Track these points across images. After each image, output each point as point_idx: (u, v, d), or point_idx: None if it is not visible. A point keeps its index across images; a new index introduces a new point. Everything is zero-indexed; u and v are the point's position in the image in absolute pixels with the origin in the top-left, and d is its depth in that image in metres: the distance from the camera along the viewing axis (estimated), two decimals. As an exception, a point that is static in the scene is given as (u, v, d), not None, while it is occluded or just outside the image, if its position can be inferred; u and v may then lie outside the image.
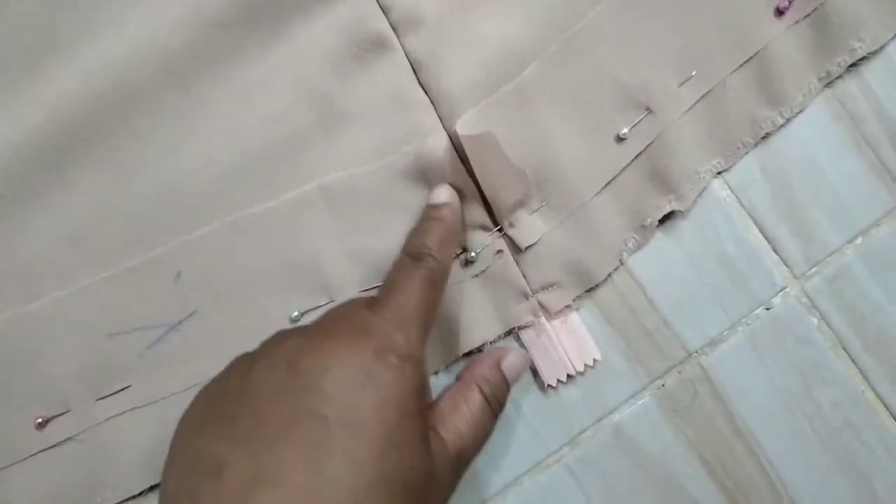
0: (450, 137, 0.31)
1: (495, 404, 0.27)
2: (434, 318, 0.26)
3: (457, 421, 0.26)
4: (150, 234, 0.31)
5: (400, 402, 0.22)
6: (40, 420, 0.31)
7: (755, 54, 0.31)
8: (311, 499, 0.20)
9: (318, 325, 0.25)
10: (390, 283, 0.26)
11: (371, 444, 0.21)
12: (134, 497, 0.31)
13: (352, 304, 0.26)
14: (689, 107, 0.31)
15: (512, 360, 0.29)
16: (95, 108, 0.31)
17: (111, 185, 0.31)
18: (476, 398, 0.27)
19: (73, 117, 0.31)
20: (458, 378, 0.28)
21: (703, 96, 0.32)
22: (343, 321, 0.24)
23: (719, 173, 0.32)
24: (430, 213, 0.29)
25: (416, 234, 0.28)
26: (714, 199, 0.32)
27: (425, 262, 0.27)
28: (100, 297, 0.31)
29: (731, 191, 0.32)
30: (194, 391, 0.30)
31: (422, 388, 0.24)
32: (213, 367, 0.31)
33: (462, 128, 0.29)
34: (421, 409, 0.23)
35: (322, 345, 0.23)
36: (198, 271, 0.31)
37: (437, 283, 0.27)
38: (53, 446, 0.31)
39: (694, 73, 0.31)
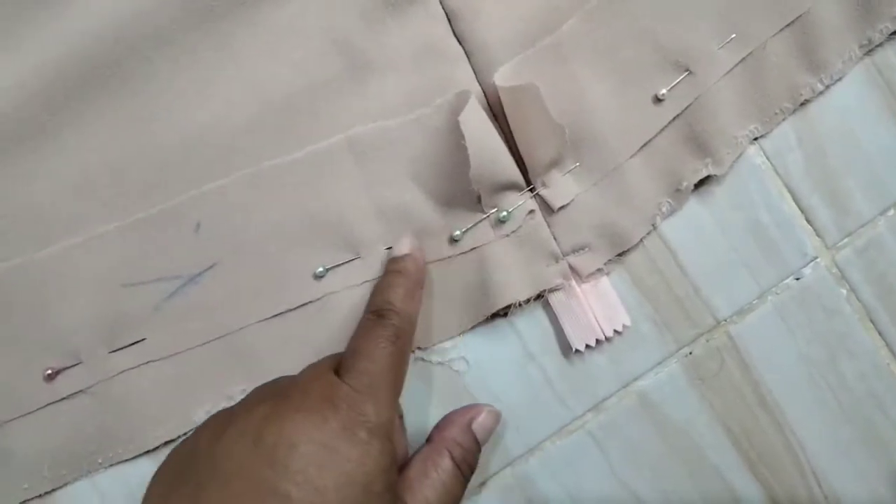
0: (483, 91, 0.30)
1: (465, 469, 0.27)
2: (403, 375, 0.26)
3: (425, 490, 0.25)
4: (168, 183, 0.30)
5: (366, 482, 0.22)
6: (50, 372, 0.30)
7: (797, 18, 0.31)
8: None
9: (288, 391, 0.24)
10: (356, 345, 0.26)
11: None
12: (147, 452, 0.30)
13: (321, 370, 0.25)
14: (728, 70, 0.31)
15: (483, 420, 0.29)
16: (113, 49, 0.30)
17: (128, 130, 0.30)
18: (446, 464, 0.26)
19: (89, 57, 0.30)
20: (429, 440, 0.28)
21: (742, 59, 0.31)
22: (312, 392, 0.24)
23: (756, 139, 0.31)
24: (391, 267, 0.29)
25: (378, 291, 0.28)
26: (749, 166, 0.31)
27: (389, 320, 0.26)
28: (114, 246, 0.30)
29: (767, 158, 0.31)
30: (212, 346, 0.30)
31: (390, 463, 0.24)
32: (233, 321, 0.30)
33: (500, 79, 0.29)
34: (388, 485, 0.23)
35: (290, 417, 0.23)
36: (218, 223, 0.30)
37: (403, 341, 0.26)
38: (63, 399, 0.30)
39: (734, 35, 0.31)
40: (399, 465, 0.26)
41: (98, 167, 0.30)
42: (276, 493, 0.21)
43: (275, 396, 0.24)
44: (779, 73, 0.31)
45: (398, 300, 0.27)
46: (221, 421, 0.24)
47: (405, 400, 0.30)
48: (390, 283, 0.28)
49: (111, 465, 0.30)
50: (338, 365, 0.25)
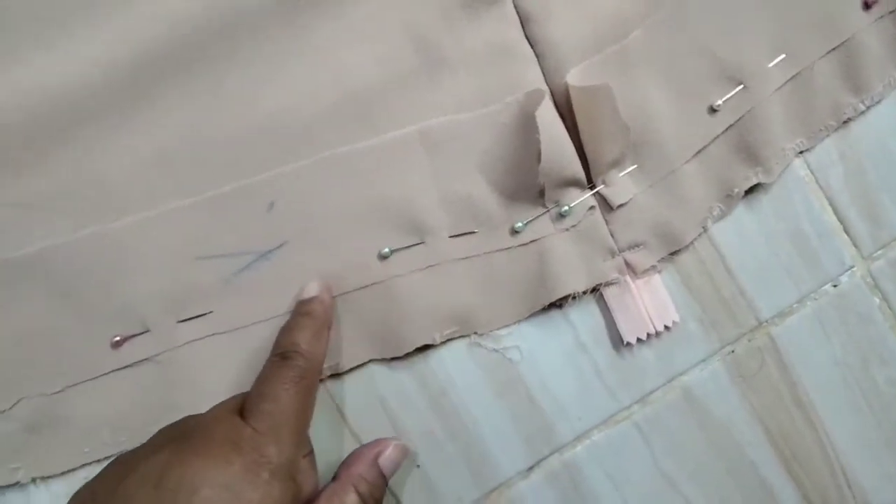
0: (551, 92, 0.32)
1: (371, 503, 0.28)
2: (308, 415, 0.27)
3: None
4: (244, 163, 0.31)
5: None
6: (118, 339, 0.30)
7: (842, 43, 0.33)
8: None
9: (191, 433, 0.25)
10: (261, 388, 0.26)
11: None
12: (207, 424, 0.31)
13: (225, 412, 0.26)
14: (778, 86, 0.33)
15: (390, 454, 0.29)
16: (200, 33, 0.31)
17: (208, 111, 0.31)
18: (351, 499, 0.27)
19: (176, 39, 0.31)
20: (336, 476, 0.29)
21: (791, 78, 0.33)
22: (214, 435, 0.24)
23: (801, 153, 0.33)
24: (298, 309, 0.30)
25: (285, 332, 0.29)
26: (794, 178, 0.33)
27: (294, 362, 0.27)
28: (189, 220, 0.31)
29: (810, 171, 0.33)
30: (277, 321, 0.31)
31: (291, 502, 0.24)
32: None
33: (573, 79, 0.30)
34: None
35: (192, 461, 0.23)
36: (292, 203, 0.31)
37: (308, 382, 0.27)
38: (127, 366, 0.31)
39: (784, 55, 0.33)
40: (308, 501, 0.26)
41: (177, 145, 0.31)
42: None
43: (177, 439, 0.25)
44: (824, 93, 0.33)
45: (304, 342, 0.28)
46: (123, 465, 0.24)
47: (465, 388, 0.32)
48: (297, 324, 0.29)
49: (170, 435, 0.31)
50: (242, 406, 0.26)
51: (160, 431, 0.26)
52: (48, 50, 0.30)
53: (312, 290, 0.30)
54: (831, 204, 0.33)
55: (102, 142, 0.31)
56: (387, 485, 0.29)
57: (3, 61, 0.29)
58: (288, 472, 0.24)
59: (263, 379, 0.27)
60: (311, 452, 0.28)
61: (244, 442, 0.24)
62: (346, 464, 0.29)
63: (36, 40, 0.30)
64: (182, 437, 0.25)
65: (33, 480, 0.30)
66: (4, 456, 0.30)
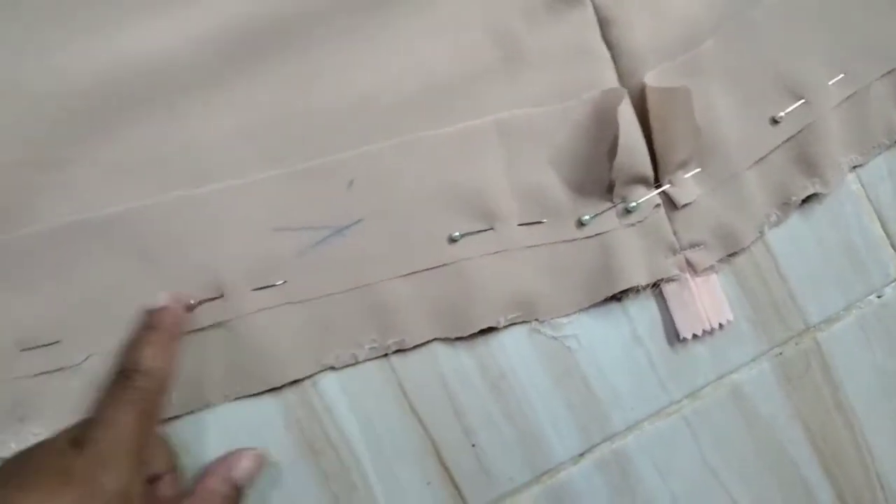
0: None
1: None
2: (149, 436, 0.26)
3: None
4: (326, 141, 0.32)
5: None
6: (192, 302, 0.31)
7: (897, 68, 0.35)
8: None
9: (21, 469, 0.24)
10: (97, 413, 0.25)
11: None
12: (272, 390, 0.31)
13: (55, 445, 0.24)
14: (836, 103, 0.34)
15: (244, 466, 0.29)
16: (292, 11, 0.32)
17: (296, 88, 0.32)
18: None
19: (267, 17, 0.31)
20: (190, 493, 0.29)
21: (848, 97, 0.35)
22: (43, 467, 0.23)
23: (854, 167, 0.35)
24: (145, 320, 0.28)
25: (127, 349, 0.27)
26: (846, 191, 0.35)
27: (135, 382, 0.26)
28: (270, 192, 0.32)
29: (862, 185, 0.35)
30: (349, 295, 0.32)
31: None
32: (372, 275, 0.32)
33: (650, 80, 0.32)
34: None
35: (16, 498, 0.22)
36: (370, 182, 0.32)
37: (150, 402, 0.26)
38: (200, 329, 0.31)
39: (843, 75, 0.34)
40: None
41: (262, 120, 0.32)
42: None
43: (5, 476, 0.24)
44: (878, 113, 0.35)
45: (147, 359, 0.27)
46: None
47: (524, 372, 0.33)
48: (140, 339, 0.28)
49: (236, 399, 0.31)
50: (76, 439, 0.25)
51: None
52: (150, 21, 0.31)
53: (161, 298, 0.29)
54: (880, 218, 0.35)
55: (195, 111, 0.32)
56: (241, 496, 0.29)
57: (109, 30, 0.30)
58: (125, 499, 0.24)
59: (101, 402, 0.26)
60: (173, 470, 0.29)
61: (76, 472, 0.23)
62: (199, 479, 0.29)
63: (139, 12, 0.31)
64: (10, 474, 0.24)
65: None
66: (73, 410, 0.31)
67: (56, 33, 0.30)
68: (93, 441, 0.24)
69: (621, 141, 0.31)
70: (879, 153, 0.35)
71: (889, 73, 0.35)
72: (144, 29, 0.31)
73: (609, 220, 0.33)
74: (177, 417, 0.31)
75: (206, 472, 0.30)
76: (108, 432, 0.25)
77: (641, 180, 0.33)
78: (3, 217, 0.30)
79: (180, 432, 0.31)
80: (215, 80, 0.32)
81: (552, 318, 0.33)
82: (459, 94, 0.33)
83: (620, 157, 0.31)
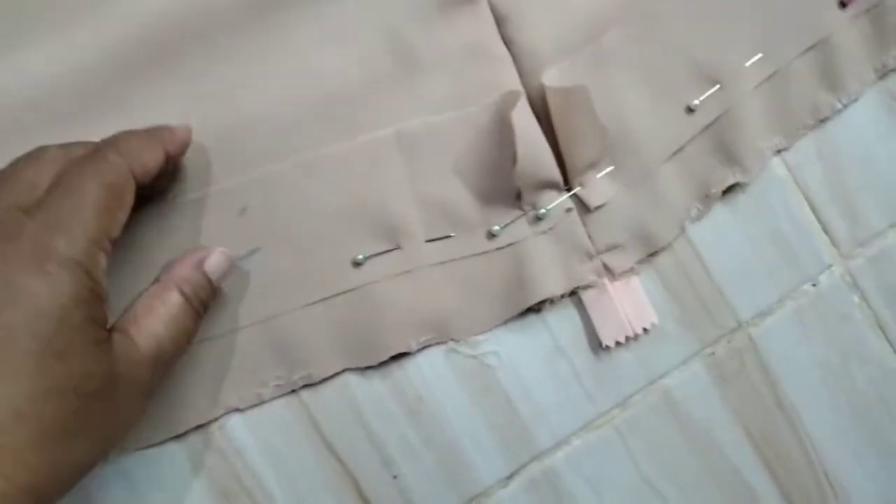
0: (526, 93, 0.31)
1: (197, 304, 0.27)
2: (115, 214, 0.24)
3: (152, 323, 0.25)
4: (215, 166, 0.30)
5: (60, 315, 0.22)
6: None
7: (819, 41, 0.33)
8: None
9: None
10: (58, 179, 0.24)
11: (25, 359, 0.21)
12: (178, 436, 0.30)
13: (7, 208, 0.23)
14: (755, 85, 0.32)
15: (215, 259, 0.28)
16: (170, 30, 0.30)
17: (180, 111, 0.30)
18: (175, 298, 0.26)
19: (147, 37, 0.30)
20: (156, 280, 0.27)
21: (768, 77, 0.33)
22: None
23: (779, 152, 0.33)
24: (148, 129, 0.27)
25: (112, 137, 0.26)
26: (772, 177, 0.33)
27: (104, 154, 0.24)
28: (156, 227, 0.30)
29: (789, 170, 0.33)
30: (251, 329, 0.30)
31: (90, 296, 0.23)
32: (272, 307, 0.30)
33: (549, 80, 0.30)
34: (90, 317, 0.23)
35: None
36: (265, 207, 0.30)
37: (120, 179, 0.24)
38: None
39: (761, 54, 0.32)
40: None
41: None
42: None
43: None
44: (801, 92, 0.33)
45: (129, 142, 0.25)
46: None
47: (442, 395, 0.31)
48: (131, 132, 0.26)
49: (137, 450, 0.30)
50: (30, 207, 0.23)
51: None
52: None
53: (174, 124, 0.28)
54: (809, 203, 0.33)
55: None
56: (214, 289, 0.28)
57: None
58: (80, 265, 0.22)
59: (61, 171, 0.24)
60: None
61: (26, 235, 0.22)
62: (166, 268, 0.27)
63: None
64: None
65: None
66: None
67: None
68: (46, 206, 0.23)
69: (519, 146, 0.29)
70: (805, 135, 0.33)
71: (810, 48, 0.33)
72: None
73: (520, 228, 0.31)
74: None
75: (172, 262, 0.27)
76: (65, 198, 0.23)
77: (550, 185, 0.31)
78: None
79: (77, 488, 0.29)
80: (92, 109, 0.30)
81: (468, 337, 0.32)
82: (358, 105, 0.31)
83: (521, 162, 0.29)
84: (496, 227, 0.31)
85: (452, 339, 0.31)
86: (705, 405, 0.32)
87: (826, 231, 0.33)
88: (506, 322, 0.32)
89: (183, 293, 0.26)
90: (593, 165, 0.31)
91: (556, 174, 0.31)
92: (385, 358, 0.31)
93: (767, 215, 0.33)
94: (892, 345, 0.33)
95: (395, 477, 0.31)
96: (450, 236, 0.31)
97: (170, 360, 0.26)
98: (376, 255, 0.31)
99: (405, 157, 0.31)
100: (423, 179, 0.31)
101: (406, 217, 0.31)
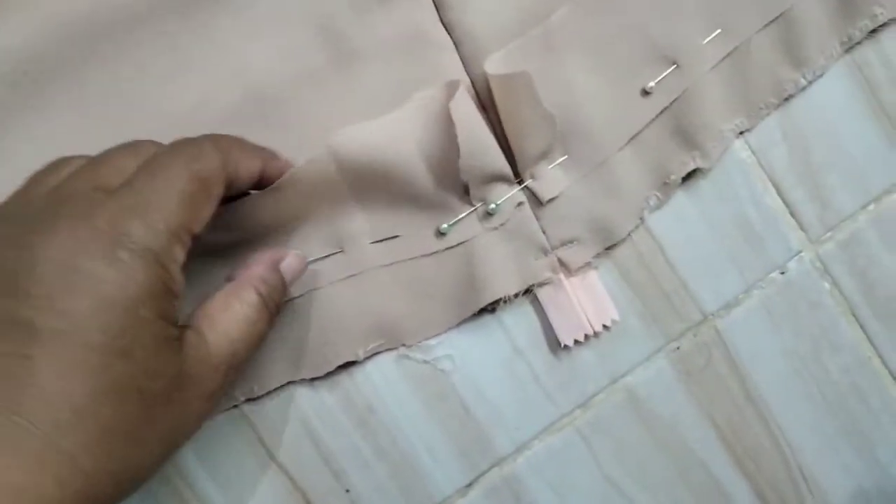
0: (472, 81, 0.29)
1: (272, 306, 0.25)
2: (200, 209, 0.22)
3: (227, 321, 0.24)
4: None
5: (128, 306, 0.20)
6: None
7: (780, 15, 0.31)
8: (20, 410, 0.18)
9: (35, 214, 0.21)
10: (147, 162, 0.22)
11: (87, 354, 0.19)
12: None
13: (79, 185, 0.22)
14: (714, 64, 0.31)
15: (291, 261, 0.27)
16: (87, 31, 0.28)
17: (97, 115, 0.28)
18: (251, 298, 0.24)
19: (62, 38, 0.28)
20: (229, 279, 0.26)
21: (728, 54, 0.31)
22: (66, 205, 0.21)
23: (741, 133, 0.31)
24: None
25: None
26: (735, 161, 0.31)
27: (200, 144, 0.23)
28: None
29: (752, 152, 0.31)
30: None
31: (162, 290, 0.21)
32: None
33: (491, 67, 0.28)
34: (162, 311, 0.21)
35: (30, 239, 0.20)
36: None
37: (208, 178, 0.23)
38: None
39: (719, 30, 0.30)
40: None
41: (67, 152, 0.28)
42: (17, 322, 0.19)
43: (17, 215, 0.22)
44: (763, 69, 0.31)
45: (229, 141, 0.24)
46: None
47: (394, 404, 0.30)
48: (240, 138, 0.25)
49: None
50: (110, 179, 0.22)
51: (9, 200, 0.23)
52: None
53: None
54: (775, 186, 0.32)
55: None
56: (286, 291, 0.27)
57: None
58: (155, 257, 0.21)
59: (156, 153, 0.23)
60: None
61: (102, 216, 0.20)
62: (245, 266, 0.26)
63: None
64: (25, 216, 0.21)
65: None
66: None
67: None
68: (128, 188, 0.21)
69: (461, 139, 0.27)
70: (769, 114, 0.31)
71: (771, 22, 0.31)
72: None
73: (470, 226, 0.30)
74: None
75: (250, 261, 0.26)
76: (147, 182, 0.21)
77: (498, 178, 0.29)
78: None
79: None
80: (8, 114, 0.28)
81: (420, 341, 0.30)
82: (290, 101, 0.29)
83: (464, 156, 0.27)
84: (445, 226, 0.29)
85: (403, 345, 0.30)
86: (671, 402, 0.31)
87: (794, 215, 0.32)
88: (459, 324, 0.30)
89: (259, 293, 0.25)
90: (544, 156, 0.29)
91: (503, 166, 0.29)
92: (330, 369, 0.29)
93: (731, 201, 0.31)
94: (865, 331, 0.32)
95: (347, 491, 0.29)
96: (396, 237, 0.30)
97: (241, 363, 0.24)
98: (318, 259, 0.29)
99: (341, 171, 0.28)
100: (364, 183, 0.29)
101: (348, 218, 0.29)
